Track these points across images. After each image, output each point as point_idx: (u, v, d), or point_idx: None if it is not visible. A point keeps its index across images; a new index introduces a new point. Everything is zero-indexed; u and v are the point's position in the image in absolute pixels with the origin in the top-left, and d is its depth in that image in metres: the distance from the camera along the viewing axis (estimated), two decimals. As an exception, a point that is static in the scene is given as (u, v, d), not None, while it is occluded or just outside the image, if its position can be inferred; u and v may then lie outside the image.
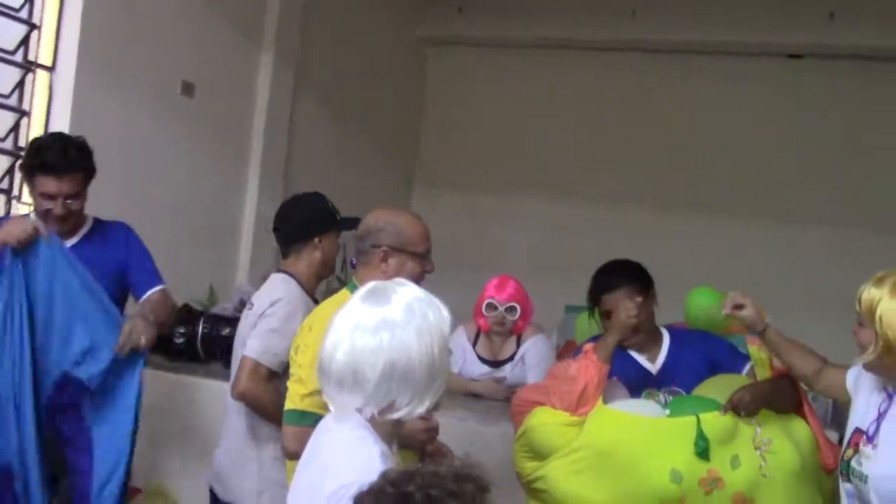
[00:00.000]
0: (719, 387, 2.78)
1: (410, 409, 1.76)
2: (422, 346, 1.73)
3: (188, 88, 4.43)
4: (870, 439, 2.33)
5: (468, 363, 3.95)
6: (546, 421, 2.69)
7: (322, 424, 1.87)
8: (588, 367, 2.71)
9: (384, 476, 1.51)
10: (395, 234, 2.41)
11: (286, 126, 4.91)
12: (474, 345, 3.98)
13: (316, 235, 2.88)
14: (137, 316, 2.95)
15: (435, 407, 1.83)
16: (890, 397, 2.33)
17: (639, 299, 2.85)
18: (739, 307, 2.66)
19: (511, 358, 3.90)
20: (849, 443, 2.39)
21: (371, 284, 1.84)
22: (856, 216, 5.67)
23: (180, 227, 4.38)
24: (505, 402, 3.47)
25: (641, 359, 2.96)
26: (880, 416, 2.33)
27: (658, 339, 2.97)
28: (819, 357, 2.65)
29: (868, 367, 2.33)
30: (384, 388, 1.73)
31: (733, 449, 2.60)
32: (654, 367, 2.94)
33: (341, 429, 1.78)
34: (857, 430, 2.38)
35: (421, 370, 1.73)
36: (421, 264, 2.43)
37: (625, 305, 2.82)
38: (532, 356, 3.81)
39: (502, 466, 2.97)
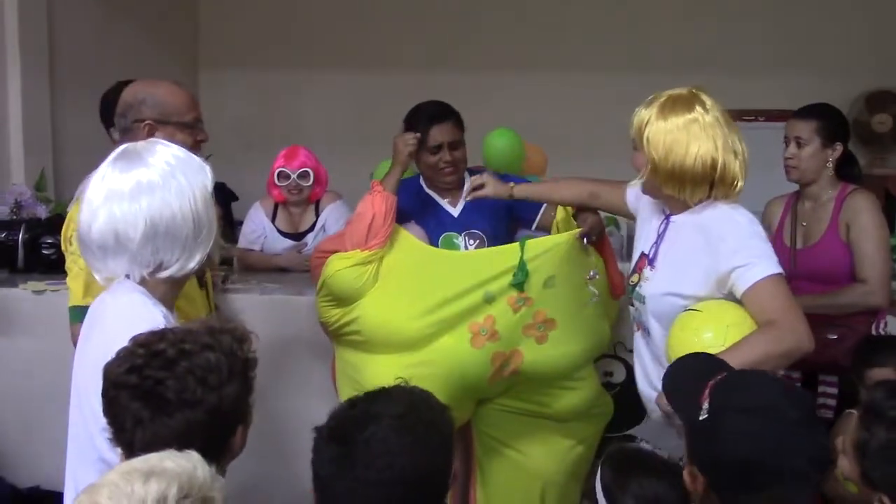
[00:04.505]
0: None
1: (181, 266, 1.73)
2: (183, 203, 1.69)
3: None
4: (650, 262, 2.36)
5: (269, 239, 3.86)
6: (339, 266, 2.71)
7: (96, 301, 1.80)
8: (375, 198, 2.74)
9: (133, 340, 1.48)
10: (157, 106, 2.29)
11: (44, 14, 4.49)
12: (273, 220, 3.88)
13: None
14: None
15: (208, 260, 1.80)
16: (667, 220, 2.35)
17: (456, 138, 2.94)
18: (479, 188, 2.76)
19: (312, 228, 3.82)
20: (635, 268, 2.43)
21: (123, 147, 1.76)
22: (641, 62, 5.86)
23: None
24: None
25: (444, 202, 3.03)
26: (659, 238, 2.36)
27: (460, 183, 3.04)
28: (585, 180, 2.73)
29: (645, 190, 2.36)
30: (149, 247, 1.68)
31: (550, 270, 2.66)
32: (455, 211, 3.02)
33: (116, 299, 1.72)
34: (642, 255, 2.41)
35: (186, 226, 1.70)
36: (192, 134, 2.32)
37: (403, 138, 2.85)
38: (332, 223, 3.74)
39: (312, 332, 3.01)
